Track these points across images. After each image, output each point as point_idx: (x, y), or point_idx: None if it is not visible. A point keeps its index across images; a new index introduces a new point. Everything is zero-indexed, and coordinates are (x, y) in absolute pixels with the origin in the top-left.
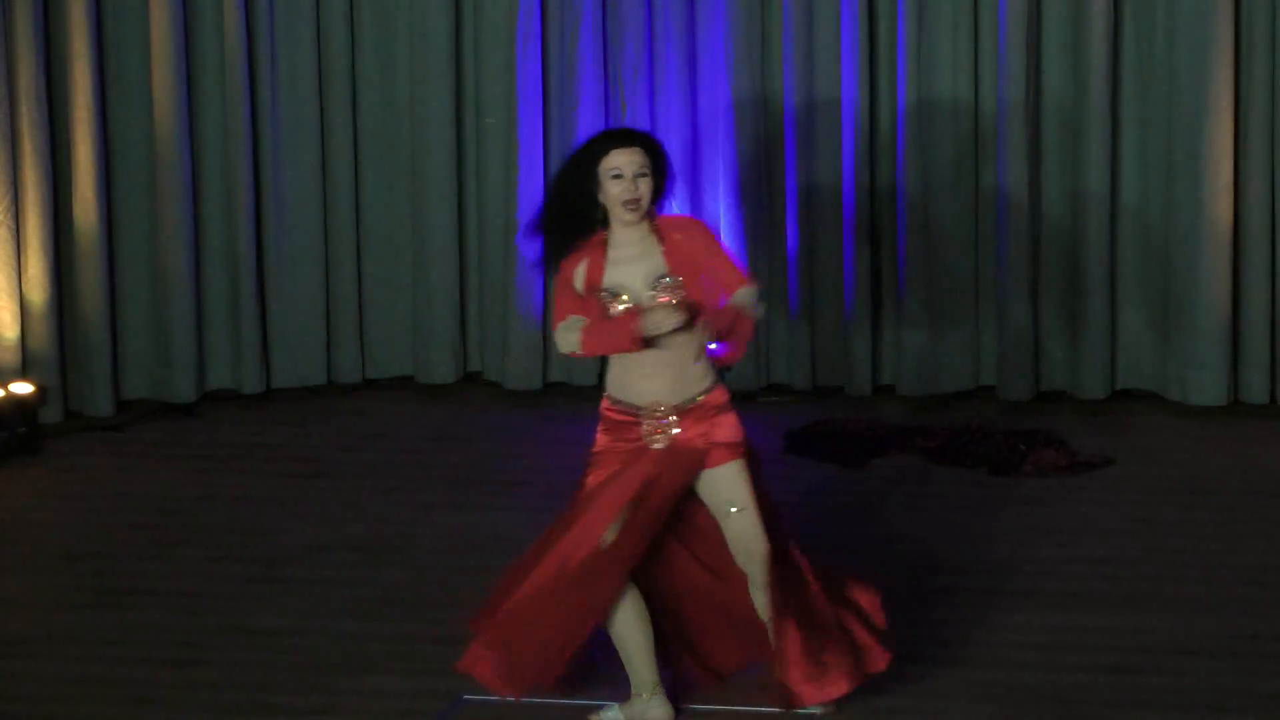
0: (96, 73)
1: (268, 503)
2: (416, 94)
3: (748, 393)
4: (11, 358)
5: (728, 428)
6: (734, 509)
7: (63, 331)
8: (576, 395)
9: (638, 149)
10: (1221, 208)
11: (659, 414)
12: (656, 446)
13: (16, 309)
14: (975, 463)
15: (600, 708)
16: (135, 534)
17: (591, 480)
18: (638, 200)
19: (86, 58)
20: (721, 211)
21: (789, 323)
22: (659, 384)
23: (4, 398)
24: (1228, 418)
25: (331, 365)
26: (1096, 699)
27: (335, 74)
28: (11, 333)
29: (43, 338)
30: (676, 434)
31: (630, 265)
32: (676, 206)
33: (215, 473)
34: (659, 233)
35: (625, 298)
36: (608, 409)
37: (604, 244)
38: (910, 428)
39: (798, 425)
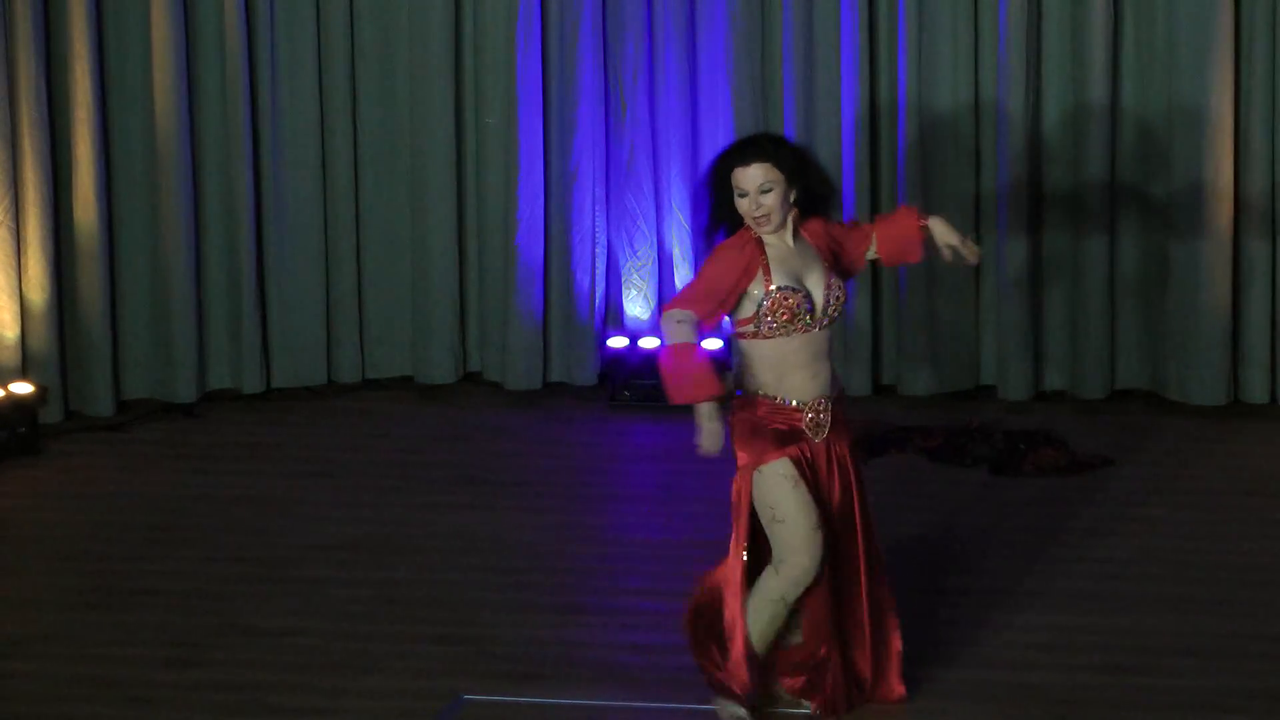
0: (96, 73)
1: (268, 503)
2: (416, 94)
3: None
4: (11, 358)
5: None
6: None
7: (63, 331)
8: (576, 395)
9: (756, 165)
10: (1221, 208)
11: (820, 409)
12: (818, 439)
13: (16, 309)
14: (975, 463)
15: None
16: (135, 534)
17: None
18: (765, 217)
19: (86, 58)
20: None
21: None
22: (817, 380)
23: (4, 398)
24: (1228, 418)
25: (331, 365)
26: (1096, 699)
27: (335, 74)
28: (11, 333)
29: (43, 338)
30: (832, 427)
31: (798, 264)
32: (678, 208)
33: (215, 473)
34: (808, 235)
35: (802, 296)
36: (755, 407)
37: (759, 242)
38: (910, 428)
39: None
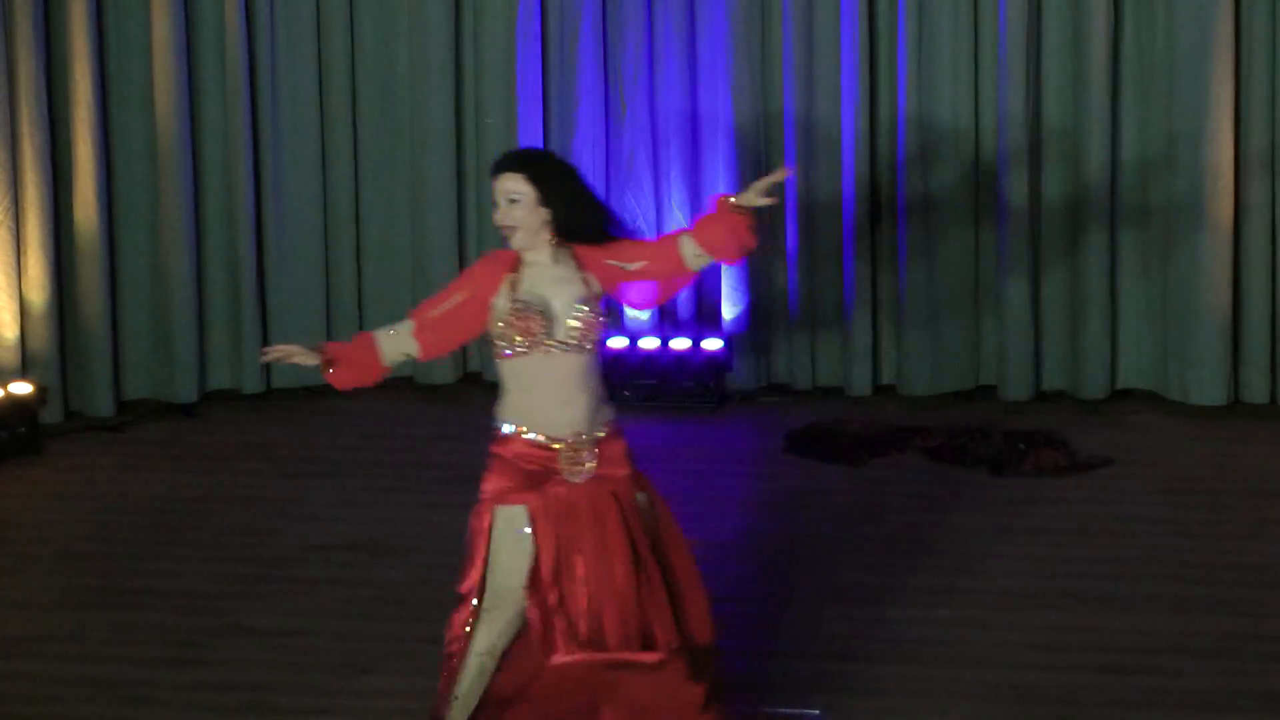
0: (97, 73)
1: (268, 503)
2: (416, 94)
3: (748, 393)
4: (11, 358)
5: (629, 458)
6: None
7: (63, 331)
8: None
9: (506, 175)
10: (1221, 208)
11: (579, 445)
12: (574, 480)
13: (16, 309)
14: (975, 463)
15: None
16: (135, 534)
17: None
18: (510, 228)
19: (87, 58)
20: None
21: (789, 323)
22: (576, 412)
23: (4, 398)
24: (1228, 418)
25: None
26: (1096, 699)
27: (335, 74)
28: (11, 333)
29: (43, 338)
30: (592, 466)
31: (549, 284)
32: (678, 208)
33: (215, 473)
34: (579, 258)
35: (543, 312)
36: (509, 445)
37: (518, 258)
38: (910, 428)
39: (798, 425)
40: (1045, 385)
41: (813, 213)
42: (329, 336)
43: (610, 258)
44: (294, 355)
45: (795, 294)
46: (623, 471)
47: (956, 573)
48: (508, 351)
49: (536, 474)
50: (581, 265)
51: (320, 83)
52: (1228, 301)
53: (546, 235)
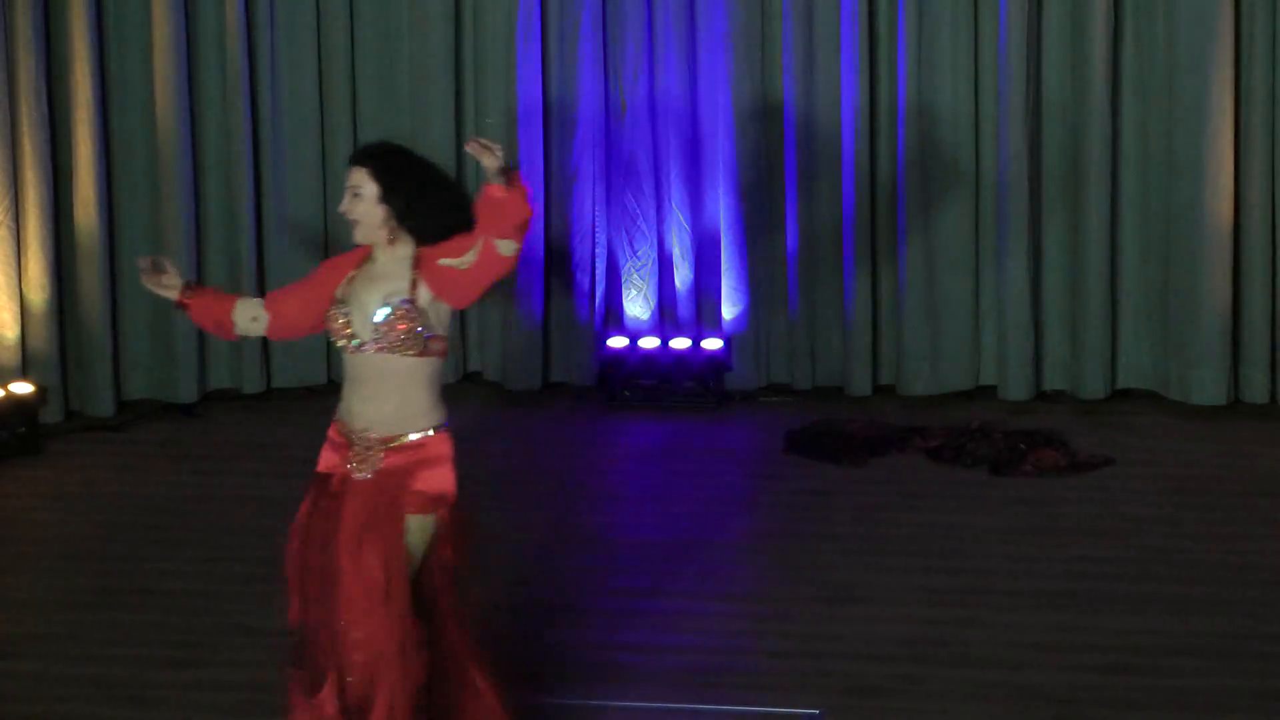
0: (97, 73)
1: (268, 503)
2: (416, 94)
3: (748, 393)
4: (11, 358)
5: (436, 479)
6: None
7: (63, 331)
8: (576, 395)
9: (353, 167)
10: (1221, 208)
11: (369, 443)
12: (359, 476)
13: (16, 309)
14: (975, 463)
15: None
16: (135, 534)
17: (304, 509)
18: (352, 221)
19: (87, 58)
20: (722, 211)
21: (789, 323)
22: (379, 409)
23: (4, 398)
24: (1228, 418)
25: (332, 365)
26: (1096, 699)
27: (335, 74)
28: (11, 333)
29: (43, 338)
30: (381, 467)
31: (370, 283)
32: (678, 208)
33: (215, 473)
34: (417, 258)
35: (348, 312)
36: (331, 429)
37: (366, 255)
38: (910, 428)
39: (798, 425)
40: (1045, 385)
41: (813, 213)
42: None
43: (446, 256)
44: (163, 278)
45: (795, 294)
46: (412, 487)
47: (956, 573)
48: (337, 343)
49: (332, 467)
50: (416, 265)
51: (320, 83)
52: (1228, 301)
53: (384, 232)
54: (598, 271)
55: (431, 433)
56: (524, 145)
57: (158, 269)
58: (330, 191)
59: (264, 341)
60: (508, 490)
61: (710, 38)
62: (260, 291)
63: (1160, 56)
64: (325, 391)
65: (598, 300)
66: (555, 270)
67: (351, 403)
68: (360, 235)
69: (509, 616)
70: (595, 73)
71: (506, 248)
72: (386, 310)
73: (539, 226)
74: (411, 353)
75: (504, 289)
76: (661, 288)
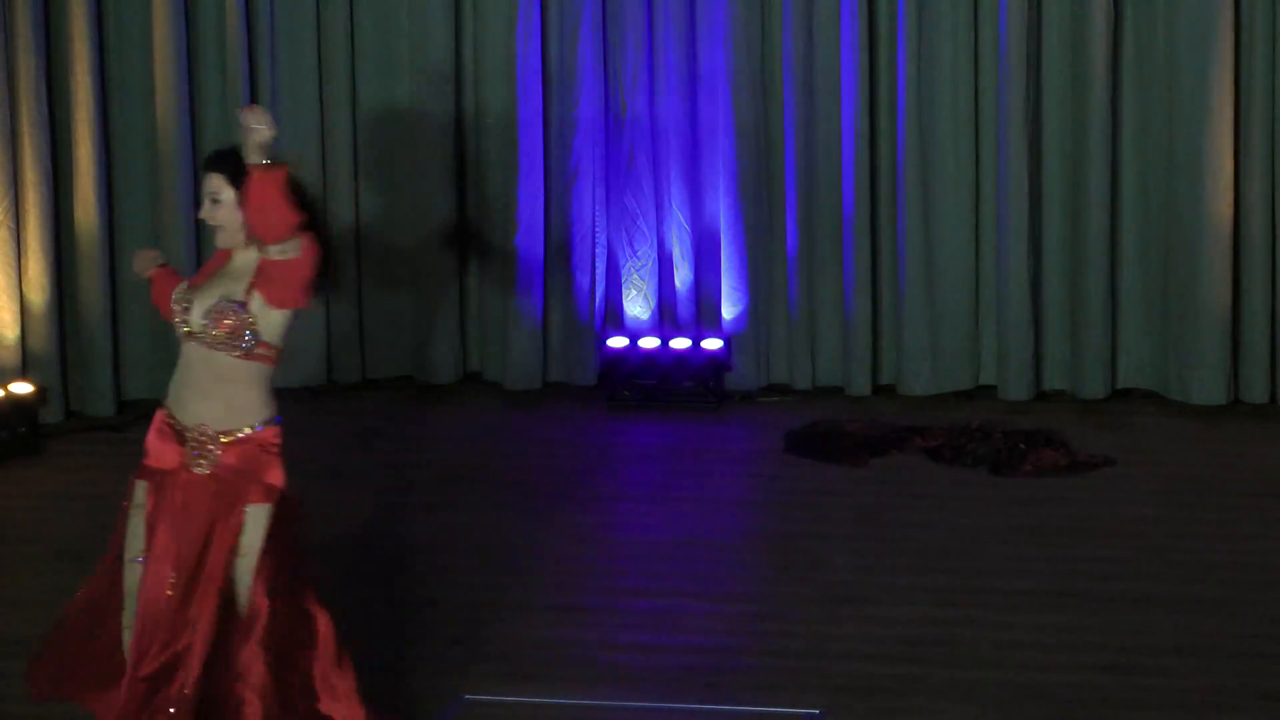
0: (97, 73)
1: None
2: (416, 94)
3: (748, 393)
4: (11, 358)
5: (273, 470)
6: (242, 556)
7: (63, 331)
8: (576, 395)
9: (210, 174)
10: (1221, 208)
11: (205, 438)
12: (198, 471)
13: (16, 309)
14: (975, 463)
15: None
16: None
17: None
18: (217, 227)
19: (87, 58)
20: (722, 211)
21: (789, 323)
22: (209, 405)
23: (4, 398)
24: (1228, 417)
25: (331, 365)
26: (1096, 699)
27: (335, 74)
28: (11, 333)
29: (43, 338)
30: (220, 463)
31: (215, 278)
32: (678, 208)
33: None
34: (261, 266)
35: (185, 305)
36: (161, 416)
37: (230, 255)
38: (910, 428)
39: (798, 425)
40: (1045, 385)
41: (813, 213)
42: (329, 337)
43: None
44: (151, 261)
45: (795, 294)
46: (245, 481)
47: (956, 573)
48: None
49: (165, 462)
50: (258, 271)
51: (320, 83)
52: (1228, 301)
53: (243, 235)
54: (598, 271)
55: (262, 428)
56: (524, 145)
57: (146, 260)
58: (330, 191)
59: None
60: (508, 490)
61: (710, 38)
62: None
63: (1160, 56)
64: (325, 391)
65: (598, 300)
66: (555, 270)
67: (181, 394)
68: (222, 240)
69: (509, 615)
70: (595, 73)
71: (278, 254)
72: (214, 306)
73: (539, 226)
74: (235, 354)
75: (504, 289)
76: (661, 288)
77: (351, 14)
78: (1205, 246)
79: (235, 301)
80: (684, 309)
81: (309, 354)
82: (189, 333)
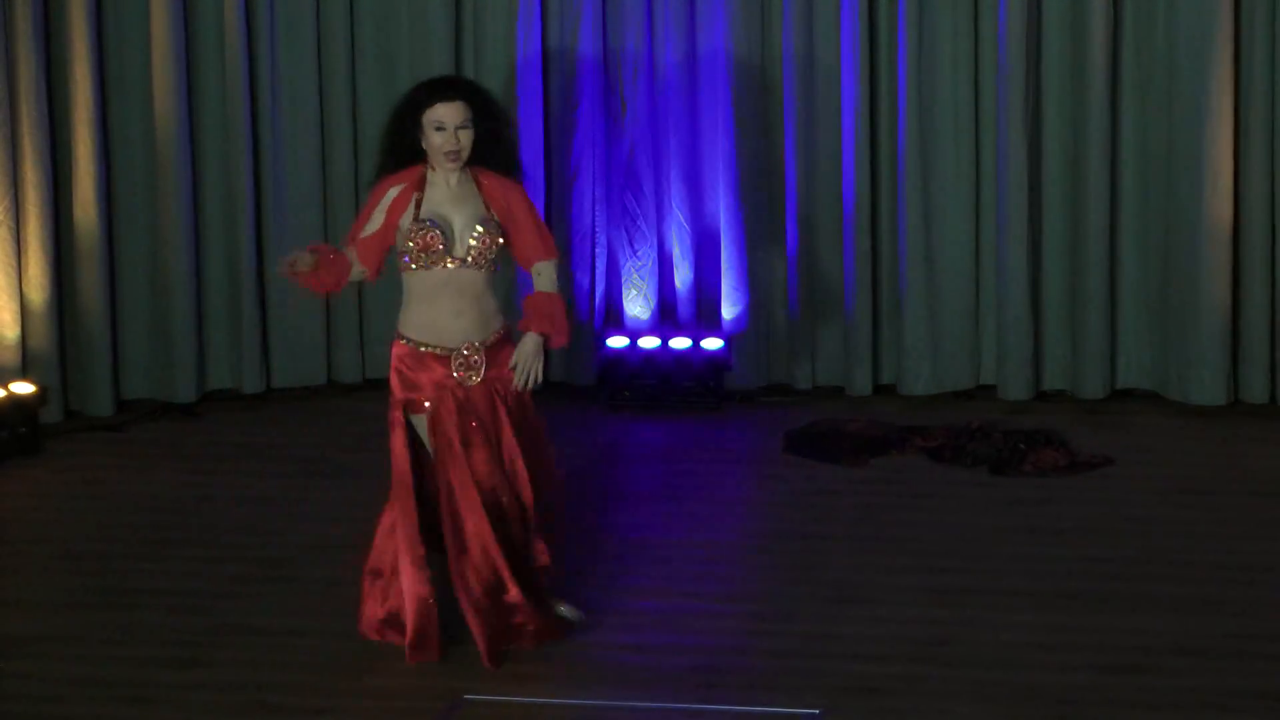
0: (96, 73)
1: (268, 503)
2: None
3: (748, 392)
4: (11, 358)
5: (507, 357)
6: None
7: (63, 331)
8: (576, 395)
9: (460, 102)
10: (1221, 208)
11: (469, 352)
12: (472, 383)
13: (16, 309)
14: (975, 463)
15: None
16: (135, 534)
17: (398, 441)
18: (458, 152)
19: (86, 58)
20: (721, 211)
21: (789, 323)
22: (466, 322)
23: (4, 398)
24: (1228, 418)
25: (331, 365)
26: (1096, 699)
27: (335, 74)
28: (11, 333)
29: (43, 338)
30: (486, 371)
31: (452, 204)
32: (678, 208)
33: (215, 473)
34: (478, 181)
35: (443, 230)
36: (407, 353)
37: (423, 179)
38: (910, 428)
39: (798, 425)
40: (1045, 385)
41: (813, 213)
42: (328, 335)
43: (500, 208)
44: (300, 262)
45: (795, 294)
46: (506, 373)
47: (956, 573)
48: (412, 265)
49: (436, 380)
50: (480, 189)
51: (320, 83)
52: (1228, 301)
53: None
54: (598, 271)
55: (502, 327)
56: (525, 145)
57: (298, 263)
58: (330, 191)
59: (264, 341)
60: None
61: (710, 37)
62: (261, 295)
63: (1160, 56)
64: (325, 391)
65: (598, 300)
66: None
67: (438, 319)
68: (458, 166)
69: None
70: (595, 72)
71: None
72: (480, 230)
73: None
74: (485, 265)
75: (505, 286)
76: (661, 288)
77: (351, 14)
78: (1205, 246)
79: (486, 218)
80: (684, 309)
81: (309, 354)
82: (448, 261)
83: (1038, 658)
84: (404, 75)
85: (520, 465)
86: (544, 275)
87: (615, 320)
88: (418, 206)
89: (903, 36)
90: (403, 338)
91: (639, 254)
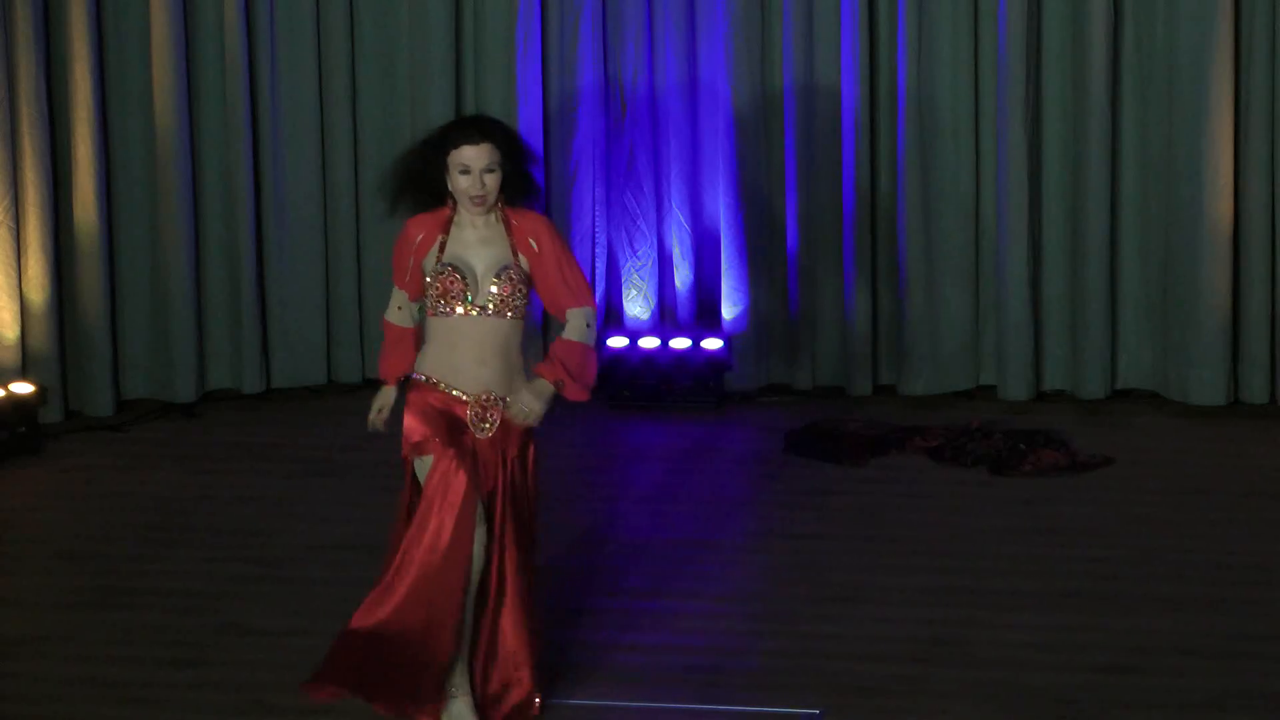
0: (96, 73)
1: (268, 503)
2: (416, 94)
3: (748, 393)
4: (11, 358)
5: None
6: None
7: (63, 331)
8: None
9: (487, 145)
10: (1221, 208)
11: (487, 402)
12: (483, 435)
13: (16, 309)
14: (975, 463)
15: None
16: (135, 534)
17: (413, 486)
18: (484, 197)
19: (86, 58)
20: (721, 211)
21: (789, 323)
22: (489, 371)
23: (4, 398)
24: (1228, 418)
25: (331, 365)
26: (1096, 699)
27: (335, 74)
28: (11, 333)
29: (43, 338)
30: (498, 430)
31: (476, 247)
32: (678, 208)
33: (215, 473)
34: (507, 223)
35: (464, 275)
36: (425, 393)
37: (450, 220)
38: (910, 428)
39: (798, 425)
40: (1045, 385)
41: (813, 213)
42: (328, 335)
43: (528, 252)
44: (386, 408)
45: (795, 294)
46: (517, 436)
47: (956, 573)
48: (431, 310)
49: (451, 424)
50: (509, 230)
51: (320, 83)
52: (1228, 301)
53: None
54: (598, 271)
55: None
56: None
57: (385, 410)
58: (330, 191)
59: (264, 341)
60: None
61: (710, 38)
62: (261, 295)
63: (1160, 56)
64: (325, 391)
65: (597, 300)
66: None
67: (459, 364)
68: (484, 210)
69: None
70: (595, 73)
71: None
72: (498, 275)
73: None
74: (510, 315)
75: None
76: (661, 288)
77: (351, 14)
78: (1205, 247)
79: (509, 265)
80: (684, 309)
81: (308, 354)
82: (469, 308)
83: (1038, 658)
84: (404, 75)
85: (510, 538)
86: (572, 323)
87: (615, 320)
88: (441, 250)
89: (902, 36)
90: (422, 375)
91: (639, 254)
